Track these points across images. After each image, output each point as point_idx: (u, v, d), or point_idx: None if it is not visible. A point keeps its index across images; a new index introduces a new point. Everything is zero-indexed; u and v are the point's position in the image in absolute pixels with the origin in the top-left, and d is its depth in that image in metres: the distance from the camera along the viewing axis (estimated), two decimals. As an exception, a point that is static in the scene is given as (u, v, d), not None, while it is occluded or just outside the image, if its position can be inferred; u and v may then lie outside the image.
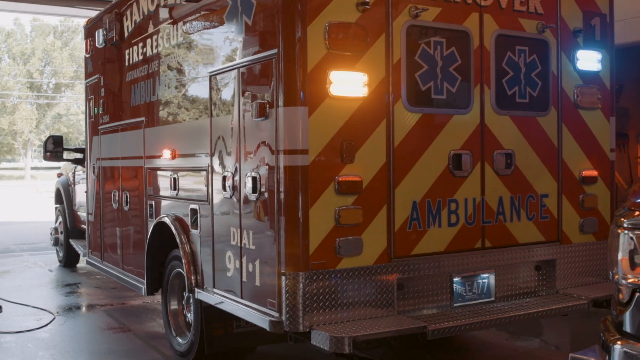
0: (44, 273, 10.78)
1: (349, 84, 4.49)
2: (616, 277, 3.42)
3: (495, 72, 5.12)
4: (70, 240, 10.23)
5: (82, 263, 10.74)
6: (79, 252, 9.59)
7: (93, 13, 9.22)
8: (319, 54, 4.40)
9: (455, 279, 5.02)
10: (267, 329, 4.52)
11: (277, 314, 4.47)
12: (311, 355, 6.21)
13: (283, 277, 4.41)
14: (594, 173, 5.64)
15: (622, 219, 3.39)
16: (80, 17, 15.37)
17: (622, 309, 3.42)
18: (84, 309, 8.42)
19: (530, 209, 5.32)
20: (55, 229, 11.11)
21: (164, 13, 6.22)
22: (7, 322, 7.59)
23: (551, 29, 5.38)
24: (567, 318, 7.19)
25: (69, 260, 10.75)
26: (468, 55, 4.99)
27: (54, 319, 7.74)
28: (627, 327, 3.39)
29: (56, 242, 11.15)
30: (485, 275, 5.17)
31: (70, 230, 10.32)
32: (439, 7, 4.86)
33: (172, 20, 6.03)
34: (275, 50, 4.46)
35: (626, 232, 3.35)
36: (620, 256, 3.38)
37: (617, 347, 3.33)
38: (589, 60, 5.60)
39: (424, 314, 4.84)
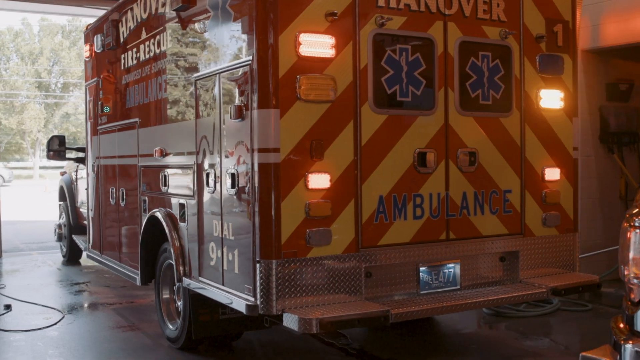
0: (53, 272, 11.00)
1: (318, 87, 4.97)
2: (627, 276, 3.40)
3: (459, 76, 5.60)
4: (73, 235, 10.79)
5: (86, 261, 11.26)
6: (81, 247, 10.12)
7: (101, 12, 9.58)
8: (290, 60, 4.89)
9: (422, 268, 5.51)
10: (244, 312, 5.03)
11: (252, 299, 4.97)
12: (295, 341, 6.69)
13: (258, 265, 4.91)
14: (557, 170, 6.11)
15: (635, 218, 3.37)
16: (88, 16, 15.45)
17: (634, 308, 3.42)
18: (93, 307, 8.51)
19: (494, 203, 5.80)
20: (59, 225, 11.68)
21: (154, 21, 6.76)
22: (17, 321, 7.76)
23: (514, 35, 5.85)
24: (577, 318, 7.63)
25: (72, 255, 11.31)
26: (432, 60, 5.47)
27: (63, 317, 7.87)
28: (639, 327, 3.38)
29: (60, 238, 11.73)
30: (451, 265, 5.65)
31: (73, 226, 10.88)
32: (404, 16, 5.34)
33: (161, 28, 6.55)
34: (250, 58, 4.97)
35: (638, 231, 3.33)
36: (632, 255, 3.36)
37: (629, 346, 3.32)
38: (550, 64, 6.05)
39: (391, 300, 5.32)
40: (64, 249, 11.60)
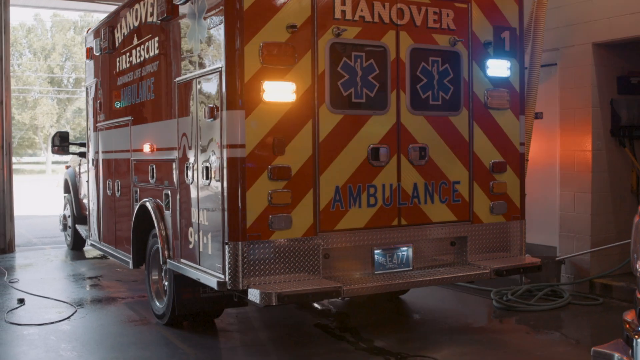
0: (66, 266, 11.27)
1: (279, 91, 5.81)
2: (639, 270, 3.45)
3: (410, 79, 6.40)
4: (77, 225, 11.71)
5: (90, 250, 12.14)
6: (83, 235, 11.03)
7: (112, 8, 10.43)
8: (255, 67, 5.73)
9: (376, 251, 6.33)
10: (215, 288, 5.88)
11: (222, 276, 5.82)
12: (275, 317, 7.47)
13: (226, 246, 5.76)
14: (504, 163, 6.90)
15: None
16: (100, 12, 15.91)
17: None
18: (105, 301, 8.66)
19: (443, 193, 6.60)
20: (64, 216, 12.63)
21: (144, 29, 7.63)
22: (30, 315, 7.96)
23: (464, 43, 6.64)
24: (588, 312, 7.86)
25: (76, 244, 12.24)
26: (385, 66, 6.29)
27: (75, 311, 8.05)
28: None
29: (64, 228, 12.67)
30: (404, 248, 6.46)
31: (76, 216, 11.80)
32: (359, 27, 6.16)
33: (149, 35, 7.42)
34: (220, 65, 5.81)
35: None
36: None
37: None
38: (498, 67, 6.85)
39: (346, 279, 6.15)
40: (69, 239, 12.54)
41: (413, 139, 6.43)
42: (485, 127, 6.82)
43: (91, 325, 7.54)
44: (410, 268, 6.50)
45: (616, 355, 3.69)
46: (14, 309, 8.16)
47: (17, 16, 62.22)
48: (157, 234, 7.09)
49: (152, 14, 7.28)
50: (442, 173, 6.59)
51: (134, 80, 7.98)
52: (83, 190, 11.22)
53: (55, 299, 8.66)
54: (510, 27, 6.94)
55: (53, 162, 61.89)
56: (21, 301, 8.40)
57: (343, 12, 6.08)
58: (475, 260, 6.74)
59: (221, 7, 5.78)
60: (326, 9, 6.00)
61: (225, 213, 5.78)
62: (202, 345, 6.65)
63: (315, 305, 8.14)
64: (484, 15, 6.77)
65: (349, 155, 6.15)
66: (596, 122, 8.88)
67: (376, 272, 6.33)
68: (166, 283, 7.23)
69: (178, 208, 6.73)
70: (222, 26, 5.79)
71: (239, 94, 5.70)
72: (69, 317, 7.77)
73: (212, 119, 5.94)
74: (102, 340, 7.03)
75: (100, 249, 9.66)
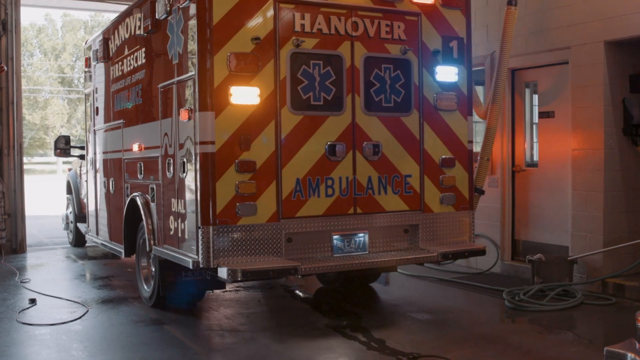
0: (77, 266, 11.57)
1: (245, 95, 6.84)
2: None
3: (364, 84, 7.41)
4: (78, 223, 12.83)
5: (97, 251, 13.24)
6: (82, 231, 12.14)
7: (122, 7, 11.30)
8: (223, 74, 6.76)
9: (335, 236, 7.34)
10: (190, 267, 6.92)
11: (196, 257, 6.86)
12: (287, 318, 7.97)
13: (199, 231, 6.80)
14: (452, 159, 7.90)
15: None
16: (110, 11, 16.28)
17: None
18: (116, 301, 8.85)
19: (396, 185, 7.61)
20: (66, 216, 13.78)
21: (133, 41, 8.71)
22: (42, 315, 8.15)
23: (414, 51, 7.65)
24: (600, 311, 8.05)
25: (78, 241, 13.35)
26: (341, 72, 7.30)
27: (87, 311, 8.24)
28: None
29: (67, 227, 13.83)
30: (361, 234, 7.48)
31: (77, 215, 12.92)
32: (317, 38, 7.19)
33: (138, 46, 8.50)
34: (193, 72, 6.86)
35: None
36: None
37: None
38: (447, 73, 7.84)
39: (307, 260, 7.17)
40: (71, 236, 13.67)
41: (367, 137, 7.44)
42: (435, 126, 7.81)
43: (102, 325, 7.74)
44: (367, 252, 7.51)
45: (629, 355, 3.75)
46: (25, 309, 8.43)
47: (28, 16, 63.76)
48: (144, 224, 8.16)
49: (139, 27, 8.35)
50: (395, 167, 7.60)
51: (125, 87, 9.07)
52: (83, 191, 12.31)
53: (67, 299, 8.92)
54: (458, 37, 7.93)
55: (64, 162, 63.29)
56: (33, 301, 8.68)
57: (302, 25, 7.11)
58: (427, 246, 7.73)
59: (194, 22, 6.83)
60: (287, 23, 7.04)
61: (198, 201, 6.82)
62: (214, 346, 6.96)
63: (327, 305, 8.56)
64: (433, 26, 7.77)
65: (308, 151, 7.17)
66: (608, 120, 8.97)
67: (335, 255, 7.35)
68: (153, 268, 8.28)
69: (161, 199, 7.79)
70: (194, 39, 6.84)
71: (209, 97, 6.74)
72: (80, 317, 7.98)
73: (187, 120, 6.99)
74: (113, 340, 7.22)
75: (96, 243, 10.79)
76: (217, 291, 8.93)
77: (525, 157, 10.44)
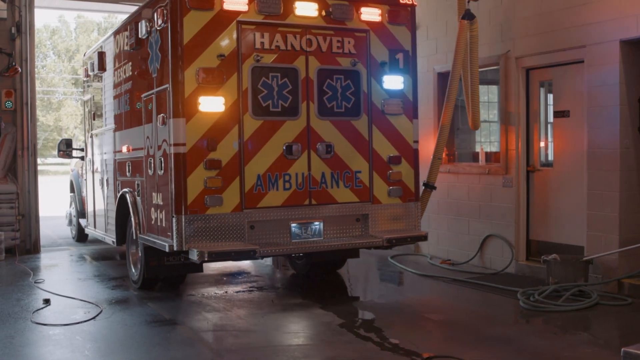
0: (90, 266, 11.95)
1: (212, 104, 8.28)
2: None
3: (318, 93, 8.83)
4: (79, 219, 14.39)
5: (94, 241, 14.76)
6: (83, 226, 13.69)
7: (134, 9, 11.99)
8: (192, 86, 8.22)
9: (293, 225, 8.77)
10: (167, 250, 8.38)
11: (171, 241, 8.32)
12: (301, 317, 8.36)
13: (173, 219, 8.26)
14: (399, 157, 9.28)
15: None
16: (124, 12, 16.89)
17: None
18: (130, 302, 9.15)
19: (347, 180, 9.02)
20: (70, 212, 15.38)
21: (123, 55, 10.22)
22: (56, 315, 8.42)
23: (363, 63, 9.06)
24: (616, 312, 8.23)
25: (80, 236, 14.90)
26: (297, 82, 8.73)
27: (101, 311, 8.52)
28: None
29: (70, 222, 15.43)
30: (317, 222, 8.89)
31: (79, 211, 14.47)
32: (275, 53, 8.62)
33: (126, 60, 10.01)
34: (168, 85, 8.33)
35: None
36: None
37: None
38: (393, 82, 9.23)
39: (266, 244, 8.60)
40: (73, 232, 15.27)
41: (320, 138, 8.86)
42: (383, 128, 9.21)
43: (116, 326, 7.99)
44: (322, 238, 8.92)
45: None
46: (39, 309, 8.74)
47: (42, 18, 65.80)
48: (131, 215, 9.65)
49: (127, 44, 9.85)
50: (346, 164, 9.01)
51: (116, 96, 10.58)
52: (84, 189, 13.84)
53: (81, 299, 9.23)
54: (404, 50, 9.33)
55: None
56: (47, 301, 9.01)
57: (262, 43, 8.55)
58: (375, 233, 9.13)
59: (168, 41, 8.31)
60: (248, 41, 8.48)
61: (173, 194, 8.29)
62: (228, 346, 7.20)
63: (339, 306, 8.89)
64: (381, 41, 9.17)
65: (268, 151, 8.61)
66: (624, 120, 9.11)
67: (293, 241, 8.77)
68: (139, 255, 9.76)
69: (145, 194, 9.28)
70: (168, 55, 8.31)
71: (181, 106, 8.20)
72: (94, 318, 8.26)
73: (164, 125, 8.47)
74: (127, 340, 7.44)
75: (94, 235, 12.36)
76: (228, 292, 9.61)
77: (540, 156, 10.71)
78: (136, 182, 9.63)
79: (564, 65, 10.11)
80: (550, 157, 10.65)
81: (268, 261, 11.75)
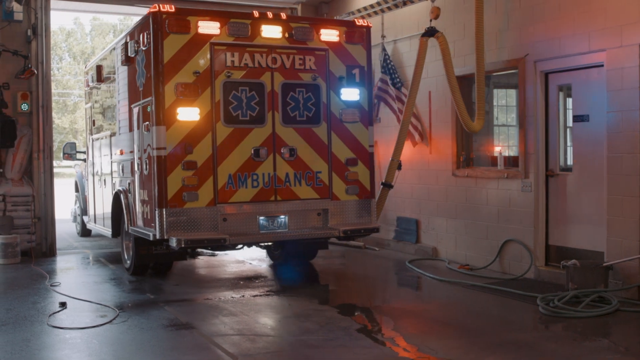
0: (107, 270, 12.44)
1: (188, 114, 10.05)
2: None
3: (282, 104, 10.56)
4: (83, 216, 16.30)
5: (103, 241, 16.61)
6: (85, 221, 15.57)
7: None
8: (171, 99, 9.99)
9: (261, 218, 10.51)
10: (150, 239, 10.18)
11: (154, 231, 10.11)
12: (318, 322, 8.53)
13: (156, 212, 10.05)
14: (355, 159, 11.00)
15: None
16: (139, 15, 17.37)
17: None
18: (146, 305, 9.42)
19: (308, 179, 10.74)
20: (74, 210, 17.33)
21: (116, 69, 12.07)
22: (72, 318, 8.68)
23: (322, 78, 10.79)
24: (637, 318, 8.39)
25: (84, 231, 16.85)
26: (263, 95, 10.48)
27: (117, 315, 8.78)
28: None
29: (75, 219, 17.39)
30: (282, 216, 10.63)
31: (82, 209, 16.38)
32: (244, 70, 10.37)
33: (119, 74, 11.85)
34: (151, 97, 10.13)
35: None
36: None
37: None
38: (350, 94, 10.94)
39: (237, 234, 10.35)
40: (78, 227, 17.21)
41: (284, 143, 10.60)
42: (341, 134, 10.93)
43: (133, 330, 8.19)
44: (287, 230, 10.66)
45: None
46: (56, 312, 9.03)
47: (57, 20, 68.03)
48: (124, 210, 11.47)
49: (119, 60, 11.68)
50: (307, 166, 10.73)
51: (112, 105, 12.43)
52: (86, 188, 15.72)
53: (97, 303, 9.59)
54: (360, 66, 11.05)
55: (93, 167, 67.35)
56: (63, 305, 9.32)
57: (232, 61, 10.31)
58: (334, 226, 10.83)
59: (151, 60, 10.11)
60: (220, 60, 10.25)
61: (155, 191, 10.07)
62: (244, 350, 7.37)
63: (357, 310, 9.37)
64: (339, 58, 10.90)
65: (238, 154, 10.35)
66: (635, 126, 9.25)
67: (261, 232, 10.52)
68: (131, 245, 11.57)
69: (134, 190, 11.09)
70: (151, 72, 10.11)
71: (162, 115, 9.99)
72: (110, 321, 8.52)
73: (148, 132, 10.27)
74: (143, 344, 7.64)
75: (94, 229, 14.31)
76: (247, 295, 10.06)
77: (559, 161, 10.89)
78: (128, 181, 11.45)
79: (583, 69, 10.30)
80: (570, 162, 10.81)
81: (285, 267, 12.65)
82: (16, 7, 13.69)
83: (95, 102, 13.86)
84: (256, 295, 10.09)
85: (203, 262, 13.21)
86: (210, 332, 8.12)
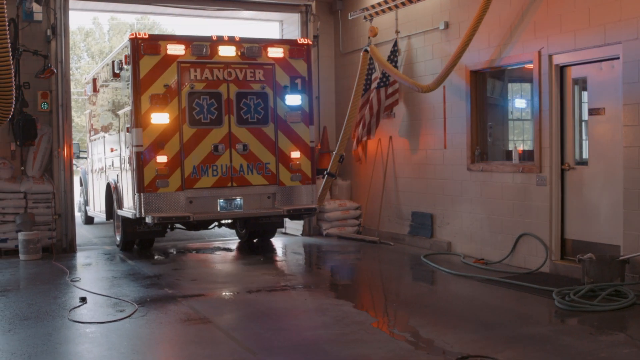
0: (125, 265, 13.29)
1: (160, 118, 13.43)
2: None
3: (236, 108, 13.91)
4: (86, 206, 19.88)
5: (106, 225, 20.05)
6: (87, 210, 19.12)
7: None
8: (147, 107, 13.37)
9: (220, 200, 13.88)
10: (131, 217, 13.64)
11: (135, 211, 13.54)
12: (334, 316, 8.88)
13: (135, 196, 13.47)
14: (298, 153, 14.32)
15: None
16: (156, 14, 19.67)
17: None
18: (164, 300, 9.75)
19: (259, 169, 14.07)
20: (79, 202, 20.91)
21: (108, 81, 15.56)
22: (92, 313, 9.03)
23: (269, 87, 14.13)
24: None
25: (87, 219, 20.43)
26: (221, 102, 13.82)
27: (135, 310, 9.07)
28: None
29: (79, 209, 20.96)
30: (238, 198, 13.99)
31: (85, 201, 19.99)
32: (205, 82, 13.73)
33: (110, 86, 15.35)
34: (131, 106, 13.57)
35: None
36: None
37: None
38: (293, 99, 14.23)
39: (200, 213, 13.73)
40: (82, 217, 20.74)
41: (239, 140, 13.94)
42: (286, 133, 14.23)
43: (151, 324, 8.47)
44: (242, 210, 14.01)
45: None
46: (76, 307, 9.43)
47: (76, 20, 71.76)
48: (114, 196, 14.94)
49: (110, 74, 15.13)
50: (258, 158, 14.05)
51: (105, 111, 15.94)
52: (88, 182, 19.22)
53: (116, 298, 9.97)
54: (302, 76, 14.35)
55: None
56: (83, 300, 9.78)
57: (195, 75, 13.67)
58: (280, 206, 14.14)
59: (131, 76, 13.52)
60: (185, 75, 13.62)
61: (135, 179, 13.48)
62: (262, 344, 7.67)
63: (372, 304, 10.00)
64: (283, 70, 14.22)
65: (201, 149, 13.70)
66: None
67: (220, 211, 13.89)
68: (120, 225, 15.02)
69: (121, 180, 14.54)
70: (130, 85, 13.53)
71: (139, 120, 13.38)
72: (129, 316, 8.81)
73: (129, 133, 13.70)
74: (162, 339, 7.94)
75: (93, 215, 17.99)
76: (264, 289, 10.58)
77: (574, 155, 11.14)
78: (116, 173, 14.91)
79: (598, 62, 10.55)
80: (585, 155, 11.05)
81: (301, 261, 14.29)
82: (36, 7, 14.49)
83: (93, 108, 17.40)
84: (272, 290, 10.61)
85: (219, 257, 14.51)
86: (228, 326, 8.55)
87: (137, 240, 15.04)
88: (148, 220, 13.29)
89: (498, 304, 9.58)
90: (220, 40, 13.87)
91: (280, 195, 14.23)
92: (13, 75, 7.34)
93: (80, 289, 10.76)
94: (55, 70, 14.67)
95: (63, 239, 14.98)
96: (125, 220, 14.52)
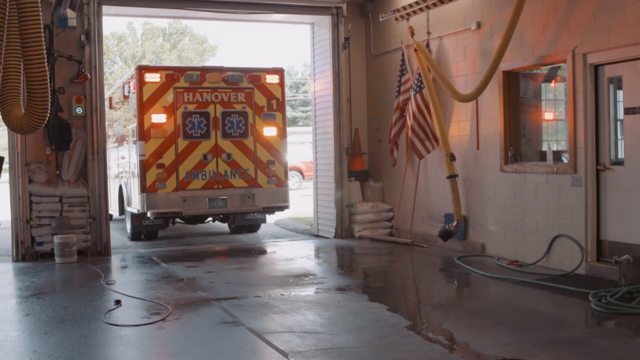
0: (160, 268, 13.75)
1: (160, 132, 17.79)
2: None
3: (222, 125, 18.19)
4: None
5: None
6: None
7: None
8: (149, 123, 17.75)
9: (209, 199, 18.20)
10: (136, 212, 18.07)
11: (140, 208, 17.95)
12: (367, 318, 9.16)
13: (140, 195, 17.87)
14: (273, 160, 18.56)
15: None
16: (189, 18, 20.92)
17: None
18: (198, 303, 10.00)
19: (240, 174, 18.34)
20: None
21: (120, 102, 20.03)
22: (127, 316, 9.31)
23: (249, 107, 18.42)
24: None
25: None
26: (209, 119, 18.13)
27: (170, 313, 9.32)
28: None
29: None
30: (223, 198, 18.31)
31: None
32: (196, 104, 18.05)
33: (122, 105, 19.81)
34: (136, 122, 17.98)
35: None
36: None
37: None
38: (269, 117, 18.46)
39: (193, 209, 18.06)
40: None
41: (224, 150, 18.23)
42: (263, 144, 18.49)
43: (185, 327, 8.72)
44: (226, 207, 18.32)
45: None
46: (111, 310, 9.74)
47: (109, 25, 76.39)
48: (124, 196, 19.40)
49: (121, 96, 19.57)
50: (240, 165, 18.32)
51: (118, 126, 20.42)
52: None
53: (150, 301, 10.24)
54: (276, 98, 18.61)
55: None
56: (118, 302, 10.13)
57: (188, 98, 18.00)
58: (259, 204, 18.43)
59: (136, 98, 17.91)
60: (180, 97, 17.94)
61: (139, 182, 17.85)
62: (294, 347, 7.87)
63: (402, 306, 10.21)
64: (261, 93, 18.48)
65: (193, 158, 18.00)
66: None
67: (209, 208, 18.21)
68: (129, 219, 19.45)
69: (130, 182, 18.97)
70: (135, 104, 17.91)
71: (142, 133, 17.76)
72: (163, 319, 9.04)
73: (135, 144, 18.12)
74: (196, 342, 8.11)
75: (110, 212, 22.33)
76: (294, 293, 10.85)
77: (610, 154, 11.22)
78: (127, 176, 19.36)
79: (634, 61, 10.65)
80: (621, 155, 11.16)
81: (334, 264, 14.65)
82: (70, 13, 15.24)
83: (110, 122, 21.93)
84: (306, 293, 10.83)
85: (253, 260, 15.26)
86: (261, 329, 8.67)
87: (143, 232, 19.40)
88: (149, 214, 17.64)
89: (533, 306, 9.88)
90: (208, 70, 18.24)
91: (258, 196, 18.47)
92: (48, 80, 7.69)
93: (115, 291, 11.30)
94: (89, 75, 15.50)
95: (97, 242, 15.90)
96: (133, 215, 18.91)
